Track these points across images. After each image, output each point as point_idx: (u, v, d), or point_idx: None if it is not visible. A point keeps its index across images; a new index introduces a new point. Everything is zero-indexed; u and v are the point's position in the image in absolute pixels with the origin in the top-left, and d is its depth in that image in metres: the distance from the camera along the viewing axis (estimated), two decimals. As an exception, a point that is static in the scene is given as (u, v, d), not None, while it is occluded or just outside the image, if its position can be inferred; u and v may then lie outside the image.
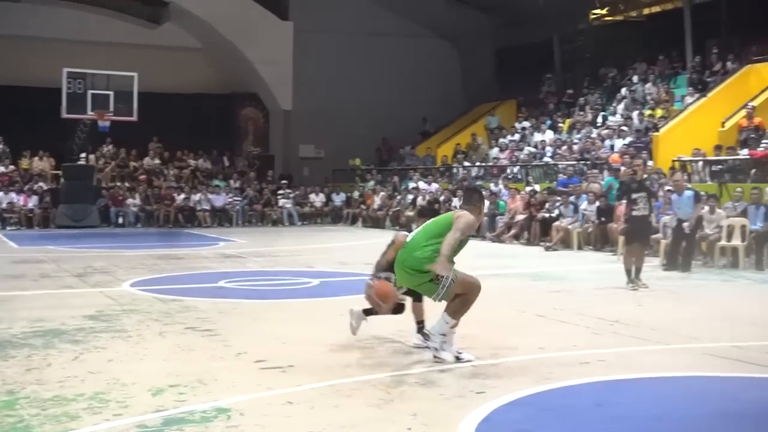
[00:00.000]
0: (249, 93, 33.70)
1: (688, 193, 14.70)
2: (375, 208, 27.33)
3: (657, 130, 22.09)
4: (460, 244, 7.06)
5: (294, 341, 8.12)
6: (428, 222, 7.45)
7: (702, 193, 15.77)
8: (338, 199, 30.07)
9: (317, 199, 29.91)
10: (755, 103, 20.96)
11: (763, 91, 21.61)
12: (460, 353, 7.07)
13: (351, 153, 31.89)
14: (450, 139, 31.52)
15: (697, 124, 21.45)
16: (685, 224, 14.51)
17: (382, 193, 27.94)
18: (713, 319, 9.79)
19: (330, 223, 28.86)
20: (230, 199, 28.26)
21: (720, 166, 19.20)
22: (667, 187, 17.29)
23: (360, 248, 19.05)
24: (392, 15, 32.94)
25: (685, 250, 14.60)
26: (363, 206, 28.34)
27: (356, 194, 29.65)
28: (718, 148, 19.89)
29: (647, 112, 24.49)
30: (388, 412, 5.57)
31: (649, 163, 19.90)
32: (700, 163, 19.64)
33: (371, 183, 30.07)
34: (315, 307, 10.80)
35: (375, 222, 26.92)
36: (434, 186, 26.68)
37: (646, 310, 10.40)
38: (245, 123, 33.97)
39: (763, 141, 19.11)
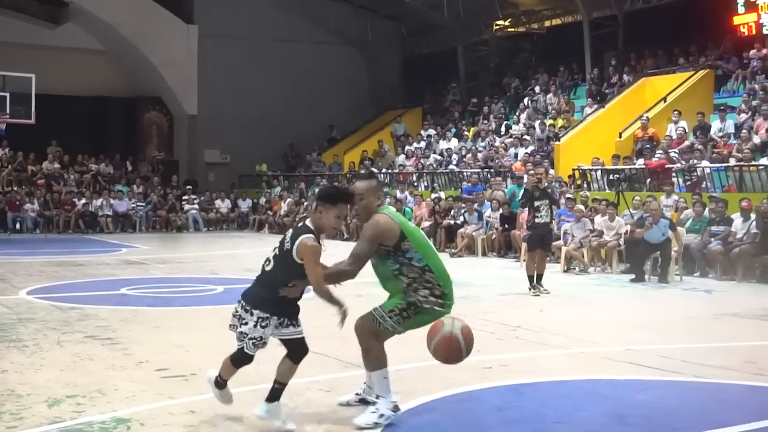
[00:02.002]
0: (153, 97, 33.00)
1: (663, 221, 14.91)
2: (282, 214, 27.07)
3: (558, 139, 22.61)
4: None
5: (197, 349, 7.99)
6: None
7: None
8: (244, 205, 29.80)
9: (223, 204, 29.56)
10: (650, 114, 21.70)
11: (657, 103, 22.33)
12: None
13: (257, 159, 31.74)
14: (357, 145, 31.55)
15: (595, 134, 22.02)
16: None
17: (288, 200, 27.70)
18: (612, 324, 10.05)
19: (236, 229, 28.53)
20: (133, 205, 27.68)
21: (617, 175, 19.76)
22: (568, 196, 17.76)
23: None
24: (300, 21, 32.69)
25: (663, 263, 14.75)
26: (269, 212, 28.07)
27: (263, 200, 29.39)
28: (615, 158, 20.45)
29: (549, 121, 25.04)
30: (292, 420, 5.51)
31: (551, 171, 20.34)
32: (599, 172, 20.19)
33: (278, 189, 29.79)
34: (219, 315, 10.63)
35: (282, 228, 26.58)
36: (342, 192, 26.58)
37: (548, 316, 10.58)
38: (149, 127, 33.29)
39: (657, 151, 19.77)
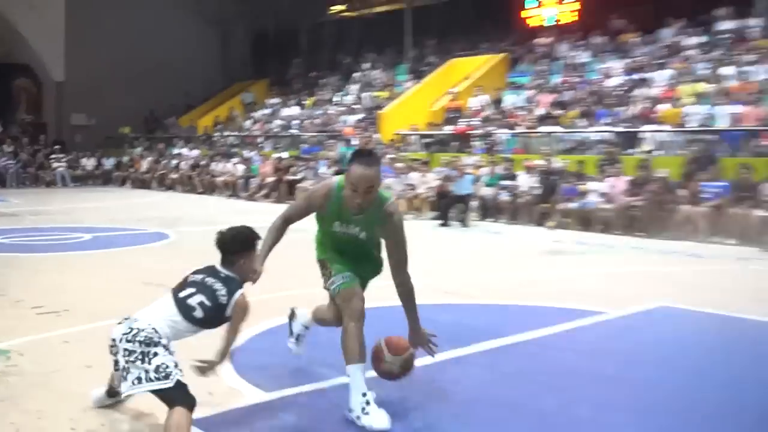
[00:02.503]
0: (22, 64, 30.71)
1: (467, 177, 15.40)
2: (142, 171, 26.23)
3: (382, 109, 22.92)
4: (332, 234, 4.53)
5: (68, 289, 7.72)
6: None
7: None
8: (108, 163, 28.38)
9: (89, 162, 28.06)
10: (457, 89, 22.35)
11: (462, 80, 23.00)
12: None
13: (121, 122, 30.23)
14: (210, 112, 30.92)
15: (413, 105, 22.41)
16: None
17: (149, 158, 26.86)
18: (423, 261, 10.32)
19: (101, 185, 27.23)
20: (4, 163, 25.86)
21: (430, 139, 20.33)
22: (389, 156, 18.13)
23: (129, 206, 18.43)
24: (161, -2, 31.33)
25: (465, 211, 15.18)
26: (131, 169, 27.01)
27: (125, 159, 28.19)
28: (429, 125, 21.00)
29: (375, 93, 25.30)
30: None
31: (376, 135, 20.65)
32: (415, 136, 20.69)
33: (139, 149, 28.65)
34: (87, 259, 10.29)
35: (142, 183, 25.85)
36: (195, 152, 26.08)
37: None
38: (18, 93, 31.21)
39: (461, 120, 20.45)
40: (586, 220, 14.06)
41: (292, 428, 4.15)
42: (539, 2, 23.44)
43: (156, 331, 3.73)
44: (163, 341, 3.72)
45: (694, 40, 19.70)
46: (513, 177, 15.80)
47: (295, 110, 27.20)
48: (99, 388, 4.24)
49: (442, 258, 10.59)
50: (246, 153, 23.62)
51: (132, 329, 3.72)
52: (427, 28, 28.16)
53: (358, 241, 4.46)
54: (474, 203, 15.21)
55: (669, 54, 19.56)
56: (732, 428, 4.17)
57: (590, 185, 14.34)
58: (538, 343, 5.83)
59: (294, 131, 25.17)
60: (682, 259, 10.59)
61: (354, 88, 26.72)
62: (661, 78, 18.15)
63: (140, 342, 3.66)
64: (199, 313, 3.89)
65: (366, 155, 4.26)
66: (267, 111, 28.47)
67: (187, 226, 14.03)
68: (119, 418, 4.16)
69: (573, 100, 18.84)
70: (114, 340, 3.76)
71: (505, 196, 15.45)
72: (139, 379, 3.60)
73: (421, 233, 13.75)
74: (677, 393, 4.71)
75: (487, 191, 15.74)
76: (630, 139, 16.21)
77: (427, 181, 16.69)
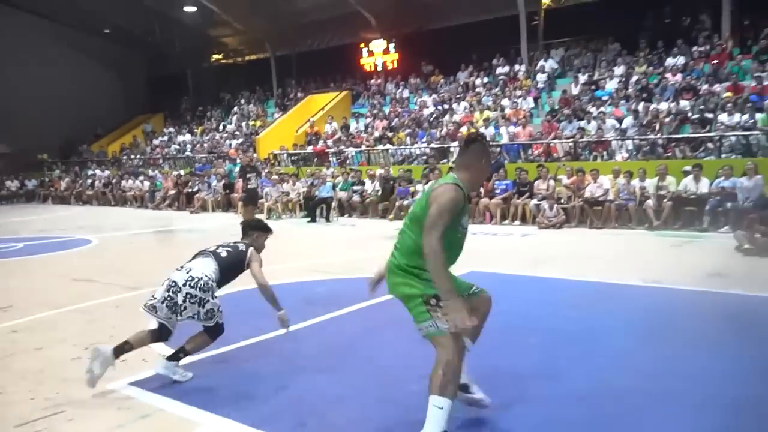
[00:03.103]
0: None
1: (328, 183, 15.38)
2: (62, 190, 24.18)
3: (258, 134, 22.51)
4: (453, 235, 3.23)
5: (10, 289, 7.26)
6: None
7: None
8: (31, 184, 25.96)
9: (12, 184, 25.58)
10: (315, 118, 22.37)
11: (318, 111, 23.04)
12: None
13: (39, 150, 27.70)
14: (117, 139, 29.03)
15: (282, 131, 22.17)
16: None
17: (66, 179, 24.83)
18: (298, 249, 10.38)
19: (25, 203, 24.83)
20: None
21: (297, 157, 20.23)
22: (267, 170, 17.91)
23: (53, 219, 16.99)
24: (71, 47, 28.78)
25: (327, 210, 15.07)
26: (52, 189, 24.80)
27: (46, 179, 25.87)
28: (294, 146, 20.88)
29: (251, 122, 24.79)
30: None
31: (254, 155, 20.29)
32: (285, 155, 20.54)
33: (57, 171, 26.45)
34: (23, 263, 9.48)
35: (62, 200, 23.83)
36: (107, 172, 24.41)
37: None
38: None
39: (320, 141, 20.51)
40: (415, 212, 14.52)
41: (214, 380, 4.13)
42: (371, 53, 23.90)
43: (211, 281, 4.14)
44: (214, 288, 4.16)
45: (481, 80, 20.85)
46: (361, 183, 16.07)
47: (187, 137, 26.06)
48: (106, 346, 4.01)
49: (313, 245, 10.67)
50: (150, 172, 22.43)
51: (193, 278, 4.10)
52: (289, 72, 28.01)
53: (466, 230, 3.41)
54: (333, 204, 15.33)
55: (465, 90, 20.57)
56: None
57: (417, 187, 14.81)
58: (394, 302, 6.06)
59: (188, 153, 24.17)
60: (483, 237, 11.17)
61: (234, 118, 26.02)
62: (460, 108, 19.03)
63: (200, 288, 4.07)
64: (224, 253, 4.36)
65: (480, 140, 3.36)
66: (165, 138, 27.09)
67: (106, 232, 13.21)
68: (72, 386, 3.99)
69: (400, 125, 19.36)
70: (176, 282, 4.08)
71: (356, 198, 15.70)
72: (192, 316, 4.07)
73: (295, 228, 13.75)
74: (491, 321, 5.09)
75: (342, 194, 15.91)
76: (442, 153, 16.86)
77: (296, 189, 16.65)
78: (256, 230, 4.78)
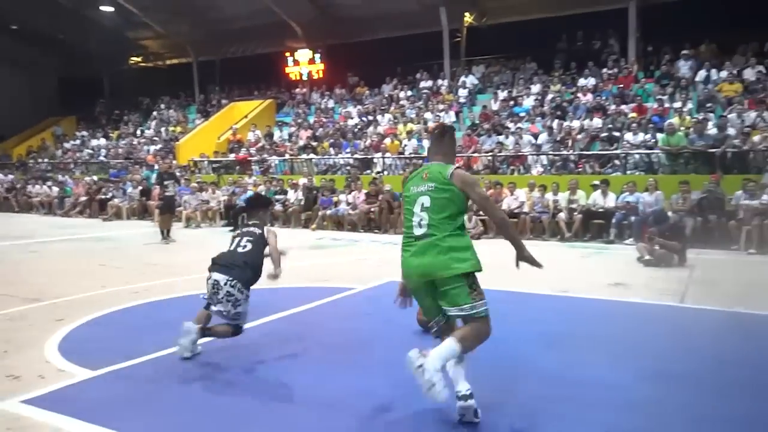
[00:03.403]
0: None
1: (249, 192, 15.03)
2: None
3: (178, 140, 21.88)
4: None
5: None
6: (420, 192, 3.53)
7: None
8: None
9: None
10: (237, 126, 21.99)
11: (241, 119, 22.67)
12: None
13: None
14: (23, 142, 27.29)
15: (203, 138, 21.67)
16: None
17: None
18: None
19: None
20: None
21: (218, 164, 19.80)
22: (186, 177, 17.42)
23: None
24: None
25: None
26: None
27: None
28: (216, 153, 20.42)
29: (171, 128, 24.07)
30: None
31: (174, 161, 19.69)
32: (205, 162, 20.05)
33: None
34: None
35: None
36: (10, 176, 22.92)
37: (176, 256, 10.39)
38: None
39: (242, 149, 20.17)
40: (338, 223, 14.57)
41: (118, 397, 3.99)
42: (296, 62, 23.80)
43: (244, 286, 4.59)
44: (246, 292, 4.62)
45: (405, 93, 21.21)
46: (284, 192, 15.91)
47: (102, 141, 24.94)
48: (194, 325, 4.59)
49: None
50: (60, 177, 21.27)
51: (232, 279, 4.53)
52: (212, 78, 27.44)
53: None
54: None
55: (389, 103, 20.86)
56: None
57: (341, 197, 14.88)
58: (312, 312, 6.08)
59: (102, 158, 23.11)
60: (404, 247, 11.34)
61: (153, 123, 25.16)
62: (384, 120, 19.28)
63: (238, 290, 4.55)
64: (248, 245, 4.77)
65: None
66: (77, 142, 25.78)
67: (8, 241, 12.41)
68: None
69: (324, 135, 19.38)
70: (218, 282, 4.55)
71: (278, 207, 15.53)
72: (222, 312, 4.57)
73: (215, 237, 13.40)
74: (404, 336, 5.18)
75: (264, 203, 15.68)
76: (366, 163, 17.03)
77: (216, 197, 16.28)
78: (259, 208, 5.23)
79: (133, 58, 29.84)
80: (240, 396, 3.93)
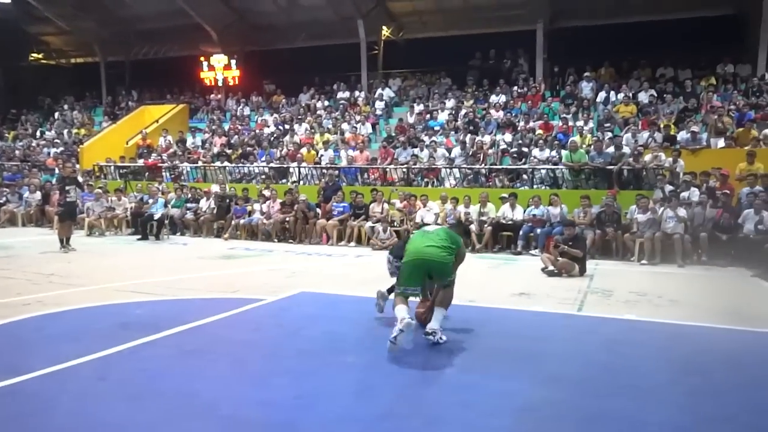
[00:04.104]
0: None
1: (161, 200, 14.59)
2: None
3: (82, 143, 20.78)
4: None
5: None
6: (439, 231, 5.59)
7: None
8: None
9: None
10: (148, 130, 21.16)
11: (152, 123, 21.84)
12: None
13: None
14: None
15: (110, 142, 20.69)
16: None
17: None
18: (122, 268, 9.73)
19: None
20: None
21: (126, 170, 18.94)
22: (89, 183, 16.54)
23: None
24: None
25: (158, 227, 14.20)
26: None
27: None
28: (123, 158, 19.54)
29: (75, 130, 22.83)
30: None
31: (77, 166, 18.67)
32: (112, 167, 19.12)
33: None
34: None
35: None
36: None
37: (75, 266, 9.84)
38: None
39: (152, 155, 19.43)
40: (252, 232, 14.31)
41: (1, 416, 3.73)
42: (211, 67, 23.25)
43: None
44: None
45: (323, 103, 21.23)
46: (196, 200, 15.44)
47: (-5, 142, 23.27)
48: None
49: (141, 265, 10.03)
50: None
51: None
52: (121, 79, 26.33)
53: None
54: (165, 221, 14.56)
55: (306, 112, 20.79)
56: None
57: (255, 206, 14.63)
58: (219, 324, 5.93)
59: (-6, 161, 21.53)
60: (318, 258, 11.30)
61: (55, 125, 23.74)
62: (301, 129, 19.18)
63: None
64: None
65: None
66: (-34, 142, 23.91)
67: None
68: None
69: (239, 143, 19.02)
70: None
71: (190, 215, 15.06)
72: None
73: (123, 247, 12.86)
74: (311, 347, 5.17)
75: (175, 211, 15.16)
76: (281, 173, 16.86)
77: (123, 204, 15.57)
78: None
79: (33, 55, 28.08)
80: (139, 411, 3.77)
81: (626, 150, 13.60)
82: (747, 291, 8.42)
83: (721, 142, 13.74)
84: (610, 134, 14.76)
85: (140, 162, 19.08)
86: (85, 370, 4.45)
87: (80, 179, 15.77)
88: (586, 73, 18.26)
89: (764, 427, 3.70)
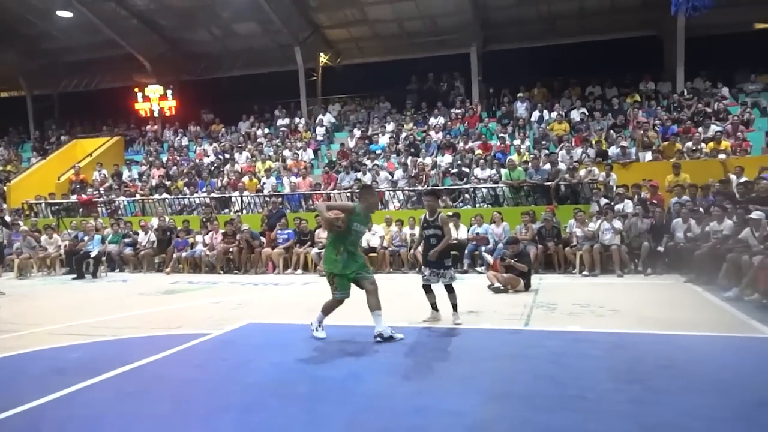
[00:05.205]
0: None
1: (96, 236, 14.06)
2: None
3: (9, 181, 19.87)
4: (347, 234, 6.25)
5: None
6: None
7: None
8: None
9: None
10: (81, 165, 20.48)
11: (85, 157, 21.17)
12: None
13: None
14: None
15: (40, 178, 19.92)
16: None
17: None
18: (56, 309, 9.31)
19: None
20: None
21: (58, 207, 18.20)
22: (17, 222, 15.79)
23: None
24: None
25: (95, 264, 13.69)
26: None
27: None
28: (52, 195, 18.77)
29: (1, 168, 21.82)
30: None
31: (4, 205, 17.84)
32: (43, 204, 18.35)
33: None
34: None
35: None
36: None
37: (5, 310, 9.27)
38: None
39: (88, 189, 18.77)
40: (195, 265, 13.99)
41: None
42: (146, 98, 22.76)
43: None
44: None
45: (263, 131, 21.10)
46: (134, 234, 14.98)
47: None
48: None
49: (77, 306, 9.60)
50: None
51: None
52: (49, 113, 25.45)
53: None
54: (103, 258, 14.04)
55: (246, 140, 20.60)
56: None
57: (197, 238, 14.32)
58: (160, 362, 5.71)
59: None
60: (265, 288, 11.13)
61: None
62: (242, 157, 18.97)
63: None
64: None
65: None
66: None
67: None
68: None
69: (179, 174, 18.65)
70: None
71: (128, 251, 14.58)
72: None
73: (57, 287, 12.32)
74: (257, 379, 5.04)
75: (112, 247, 14.67)
76: (223, 202, 16.61)
77: (54, 242, 14.93)
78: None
79: (-48, 90, 26.86)
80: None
81: (562, 166, 14.07)
82: (682, 297, 8.79)
83: (649, 156, 14.42)
84: (546, 151, 15.25)
85: (73, 198, 18.38)
86: (17, 422, 4.19)
87: (8, 218, 15.10)
88: (520, 94, 18.88)
89: (703, 429, 3.84)
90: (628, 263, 11.30)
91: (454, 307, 7.23)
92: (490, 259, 11.63)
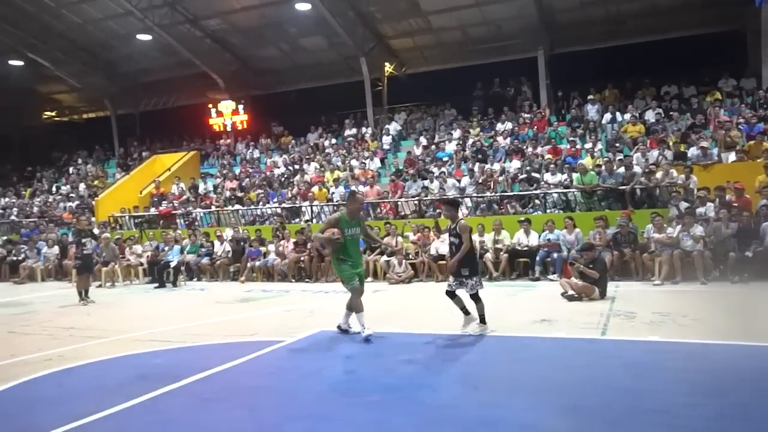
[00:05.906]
0: None
1: (175, 247, 14.76)
2: None
3: (97, 196, 21.10)
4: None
5: None
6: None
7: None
8: None
9: None
10: (160, 179, 21.47)
11: (164, 171, 22.16)
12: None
13: None
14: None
15: (123, 193, 20.99)
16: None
17: None
18: (139, 317, 9.74)
19: None
20: None
21: (140, 219, 19.16)
22: (106, 234, 16.70)
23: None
24: None
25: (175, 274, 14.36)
26: None
27: None
28: (136, 208, 19.78)
29: (89, 183, 23.22)
30: None
31: (92, 218, 18.93)
32: (126, 217, 19.35)
33: None
34: None
35: None
36: None
37: (94, 318, 9.84)
38: None
39: (164, 202, 19.66)
40: (268, 273, 14.31)
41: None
42: (219, 113, 23.68)
43: None
44: None
45: (330, 141, 21.44)
46: (211, 245, 15.54)
47: (14, 199, 23.65)
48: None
49: (158, 314, 10.05)
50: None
51: None
52: (131, 131, 26.87)
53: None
54: (182, 267, 14.63)
55: (314, 151, 20.99)
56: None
57: (269, 247, 14.66)
58: (236, 370, 5.88)
59: (13, 218, 21.87)
60: (336, 296, 11.15)
61: (70, 180, 24.17)
62: (311, 168, 19.33)
63: None
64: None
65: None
66: (-17, 200, 24.38)
67: None
68: None
69: (251, 185, 19.20)
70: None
71: (205, 260, 15.13)
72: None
73: (140, 296, 12.91)
74: (334, 383, 5.10)
75: (190, 257, 15.25)
76: (294, 212, 16.94)
77: (137, 253, 15.70)
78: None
79: (46, 113, 28.82)
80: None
81: (637, 169, 13.53)
82: (772, 305, 8.25)
83: (732, 156, 13.65)
84: (620, 155, 14.71)
85: (154, 210, 19.30)
86: (103, 426, 4.42)
87: (96, 231, 15.99)
88: (590, 96, 18.34)
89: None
90: (712, 270, 10.71)
91: (482, 318, 7.02)
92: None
